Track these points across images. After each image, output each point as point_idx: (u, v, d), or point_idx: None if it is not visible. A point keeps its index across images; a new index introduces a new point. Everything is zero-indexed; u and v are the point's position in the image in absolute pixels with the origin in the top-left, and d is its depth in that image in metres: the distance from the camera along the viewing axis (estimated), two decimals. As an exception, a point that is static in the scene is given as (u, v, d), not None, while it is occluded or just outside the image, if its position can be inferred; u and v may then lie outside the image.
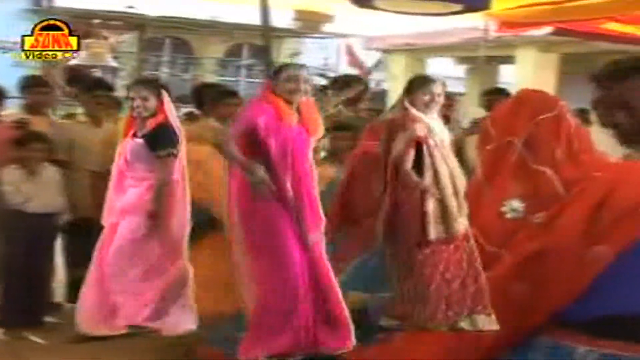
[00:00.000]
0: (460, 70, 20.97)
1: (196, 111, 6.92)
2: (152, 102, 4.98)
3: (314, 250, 4.37)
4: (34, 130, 5.96)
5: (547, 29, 12.45)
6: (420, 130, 3.78)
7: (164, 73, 21.05)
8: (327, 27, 18.58)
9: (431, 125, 3.84)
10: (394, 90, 19.01)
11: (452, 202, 3.78)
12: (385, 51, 20.82)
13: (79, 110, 7.02)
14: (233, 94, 6.64)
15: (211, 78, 20.57)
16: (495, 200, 3.89)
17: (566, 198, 3.57)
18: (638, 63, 2.99)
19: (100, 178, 5.74)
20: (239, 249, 4.54)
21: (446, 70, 23.60)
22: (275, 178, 4.28)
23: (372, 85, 16.65)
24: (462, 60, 20.07)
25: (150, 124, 4.99)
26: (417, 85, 3.99)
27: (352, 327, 4.34)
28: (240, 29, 20.50)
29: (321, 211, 4.42)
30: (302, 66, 4.64)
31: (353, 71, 19.89)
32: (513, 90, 7.71)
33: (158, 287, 5.10)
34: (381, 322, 4.19)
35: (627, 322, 3.19)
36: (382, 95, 17.75)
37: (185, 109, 8.56)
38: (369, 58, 22.86)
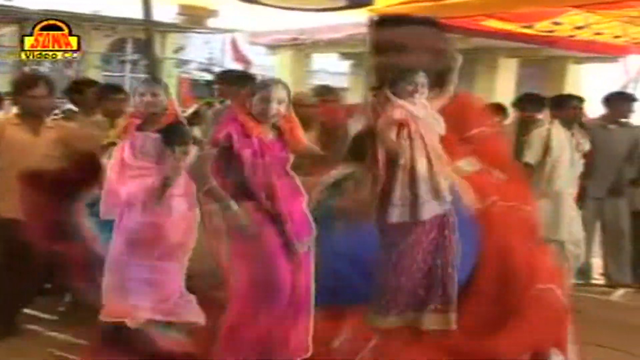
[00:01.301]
0: (345, 65, 21.22)
1: (74, 108, 6.79)
2: (163, 99, 5.01)
3: (301, 260, 4.32)
4: None
5: (430, 25, 12.69)
6: (401, 114, 3.79)
7: (46, 68, 20.50)
8: (211, 22, 18.54)
9: (414, 111, 3.85)
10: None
11: (422, 187, 3.78)
12: (271, 46, 20.90)
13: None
14: (118, 89, 6.56)
15: (95, 73, 20.19)
16: None
17: None
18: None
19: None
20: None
21: (330, 66, 23.89)
22: (250, 190, 4.25)
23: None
24: (346, 55, 20.31)
25: (165, 120, 5.00)
26: (399, 77, 4.00)
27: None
28: (123, 23, 20.26)
29: (310, 223, 4.34)
30: (279, 85, 4.50)
31: (238, 66, 19.85)
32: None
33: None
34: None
35: None
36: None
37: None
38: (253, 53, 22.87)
